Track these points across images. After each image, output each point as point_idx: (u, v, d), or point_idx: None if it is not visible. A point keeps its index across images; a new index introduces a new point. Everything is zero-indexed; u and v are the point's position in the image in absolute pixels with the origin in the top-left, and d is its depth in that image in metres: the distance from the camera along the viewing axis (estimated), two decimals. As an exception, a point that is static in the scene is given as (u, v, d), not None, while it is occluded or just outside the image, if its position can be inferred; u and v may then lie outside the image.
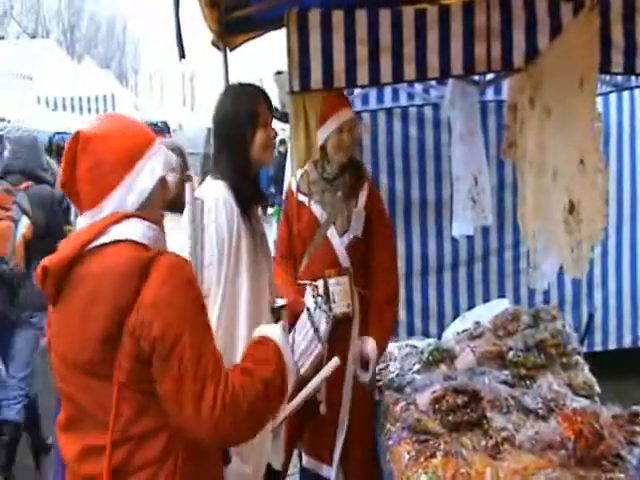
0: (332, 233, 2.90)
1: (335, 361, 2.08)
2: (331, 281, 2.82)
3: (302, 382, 2.57)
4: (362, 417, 2.73)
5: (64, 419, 1.51)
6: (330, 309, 2.70)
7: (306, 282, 2.86)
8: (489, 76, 3.95)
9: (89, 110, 9.70)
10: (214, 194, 2.22)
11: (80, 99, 9.63)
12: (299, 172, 3.12)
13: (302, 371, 2.55)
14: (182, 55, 2.91)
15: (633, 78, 4.18)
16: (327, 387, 2.68)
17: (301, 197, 2.99)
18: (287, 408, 2.02)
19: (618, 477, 1.70)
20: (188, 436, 1.40)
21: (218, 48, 3.44)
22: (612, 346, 4.89)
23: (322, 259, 2.88)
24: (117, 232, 1.42)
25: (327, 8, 3.12)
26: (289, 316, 2.79)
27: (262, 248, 2.32)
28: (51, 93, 9.10)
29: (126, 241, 1.42)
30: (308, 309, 2.72)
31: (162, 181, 1.53)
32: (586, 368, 2.66)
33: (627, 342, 4.91)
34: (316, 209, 2.94)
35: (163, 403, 1.38)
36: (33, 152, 4.07)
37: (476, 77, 3.82)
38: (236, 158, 2.26)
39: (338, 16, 3.09)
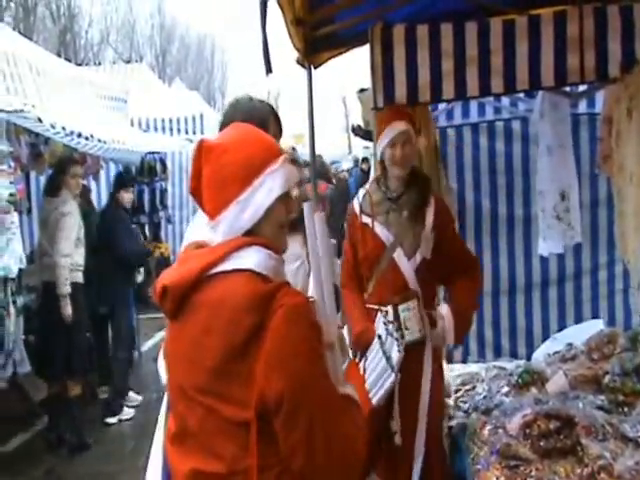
0: (399, 255, 2.79)
1: None
2: (401, 307, 2.73)
3: (374, 412, 2.52)
4: (436, 442, 2.63)
5: (174, 431, 1.49)
6: (402, 336, 2.65)
7: (375, 307, 2.83)
8: (582, 88, 3.81)
9: (178, 131, 10.04)
10: None
11: (170, 120, 9.99)
12: (361, 192, 3.03)
13: (374, 401, 2.50)
14: (269, 69, 2.95)
15: None
16: (402, 416, 2.62)
17: (365, 219, 2.89)
18: None
19: None
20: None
21: (303, 66, 3.47)
22: None
23: (390, 283, 2.79)
24: (238, 260, 1.38)
25: (412, 22, 3.10)
26: (361, 343, 2.75)
27: None
28: (143, 115, 9.49)
29: (246, 271, 1.37)
30: (380, 336, 2.68)
31: (282, 199, 1.45)
32: (692, 396, 2.48)
33: None
34: (381, 231, 2.83)
35: (284, 448, 1.34)
36: None
37: (568, 89, 3.68)
38: None
39: (423, 30, 3.07)
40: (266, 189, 1.42)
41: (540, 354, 3.21)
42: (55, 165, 5.26)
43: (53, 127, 4.39)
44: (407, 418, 2.63)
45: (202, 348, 1.36)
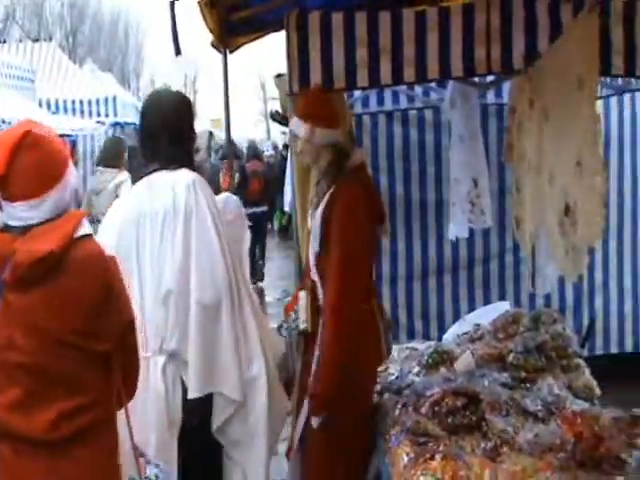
0: (311, 243, 2.82)
1: None
2: (300, 294, 2.80)
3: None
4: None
5: (17, 398, 1.67)
6: (296, 323, 2.79)
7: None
8: (490, 78, 3.95)
9: (90, 113, 9.71)
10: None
11: (81, 102, 9.65)
12: None
13: None
14: (178, 51, 2.92)
15: (634, 81, 4.17)
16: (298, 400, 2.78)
17: None
18: None
19: (617, 480, 1.70)
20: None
21: (218, 50, 3.44)
22: (614, 350, 4.88)
23: (307, 268, 2.88)
24: (83, 228, 1.74)
25: (327, 10, 3.13)
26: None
27: None
28: (52, 96, 9.11)
29: (90, 235, 1.76)
30: (280, 325, 2.83)
31: None
32: (587, 371, 2.63)
33: (629, 346, 4.90)
34: (310, 219, 2.89)
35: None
36: None
37: (476, 79, 3.81)
38: (185, 151, 2.49)
39: (338, 18, 3.10)
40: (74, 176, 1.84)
41: (450, 335, 3.32)
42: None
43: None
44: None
45: (75, 300, 1.69)
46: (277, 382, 2.59)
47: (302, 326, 2.77)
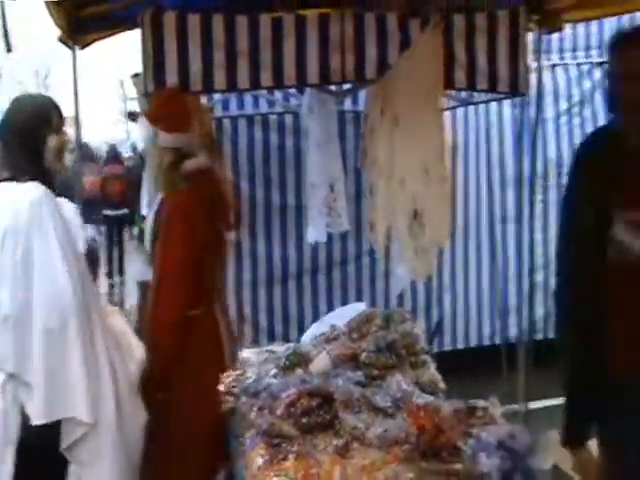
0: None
1: None
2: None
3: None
4: None
5: None
6: None
7: None
8: (347, 86, 4.08)
9: None
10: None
11: None
12: None
13: None
14: (8, 48, 2.81)
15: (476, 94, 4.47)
16: None
17: None
18: None
19: (455, 467, 1.81)
20: None
21: (67, 46, 3.28)
22: (460, 345, 5.21)
23: None
24: None
25: (183, 11, 3.08)
26: None
27: None
28: None
29: None
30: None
31: None
32: (432, 367, 2.79)
33: (473, 341, 5.25)
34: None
35: None
36: None
37: (333, 87, 3.92)
38: (38, 161, 2.34)
39: (194, 19, 3.06)
40: None
41: (308, 337, 3.37)
42: None
43: None
44: None
45: None
46: (132, 397, 2.51)
47: None
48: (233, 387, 2.62)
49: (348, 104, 4.73)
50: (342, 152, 4.25)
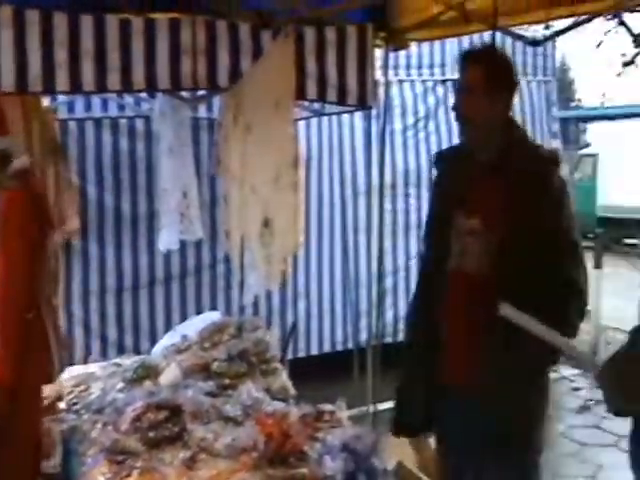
0: None
1: None
2: None
3: None
4: None
5: None
6: None
7: None
8: (202, 92, 4.02)
9: None
10: None
11: None
12: None
13: None
14: None
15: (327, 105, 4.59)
16: None
17: None
18: None
19: (302, 472, 1.84)
20: None
21: None
22: (314, 351, 5.30)
23: None
24: None
25: (20, 6, 2.90)
26: None
27: None
28: None
29: None
30: None
31: None
32: (284, 373, 2.83)
33: (327, 347, 5.37)
34: None
35: None
36: None
37: (185, 93, 3.86)
38: None
39: (34, 16, 2.87)
40: None
41: (159, 348, 3.30)
42: None
43: None
44: None
45: None
46: None
47: None
48: (74, 404, 2.50)
49: (203, 111, 4.68)
50: (196, 159, 4.20)
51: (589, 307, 2.01)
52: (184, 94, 3.86)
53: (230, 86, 3.24)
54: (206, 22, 3.20)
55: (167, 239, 3.94)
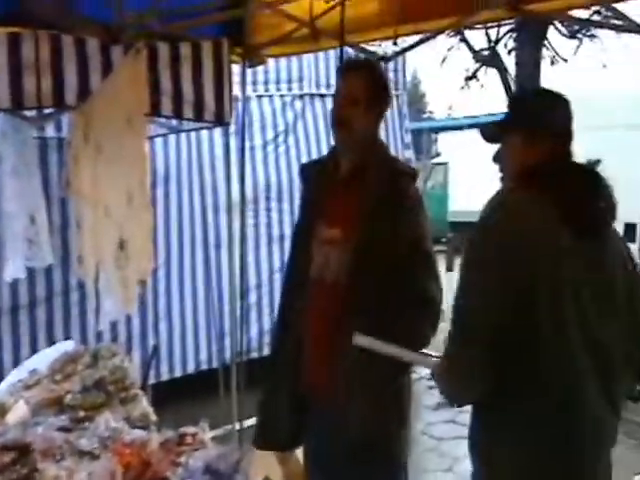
0: None
1: None
2: None
3: None
4: None
5: None
6: None
7: None
8: (49, 111, 3.81)
9: None
10: None
11: None
12: None
13: None
14: None
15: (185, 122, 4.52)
16: None
17: None
18: None
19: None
20: None
21: None
22: (178, 374, 5.16)
23: None
24: None
25: None
26: None
27: None
28: None
29: None
30: None
31: None
32: (144, 400, 2.72)
33: (191, 368, 5.24)
34: None
35: None
36: None
37: (28, 112, 3.63)
38: None
39: None
40: None
41: (6, 385, 3.06)
42: None
43: None
44: None
45: None
46: None
47: None
48: None
49: (51, 130, 4.44)
50: (44, 181, 3.98)
51: (444, 307, 2.10)
52: (28, 113, 3.64)
53: (78, 104, 3.10)
54: (50, 36, 3.05)
55: (13, 268, 3.68)
